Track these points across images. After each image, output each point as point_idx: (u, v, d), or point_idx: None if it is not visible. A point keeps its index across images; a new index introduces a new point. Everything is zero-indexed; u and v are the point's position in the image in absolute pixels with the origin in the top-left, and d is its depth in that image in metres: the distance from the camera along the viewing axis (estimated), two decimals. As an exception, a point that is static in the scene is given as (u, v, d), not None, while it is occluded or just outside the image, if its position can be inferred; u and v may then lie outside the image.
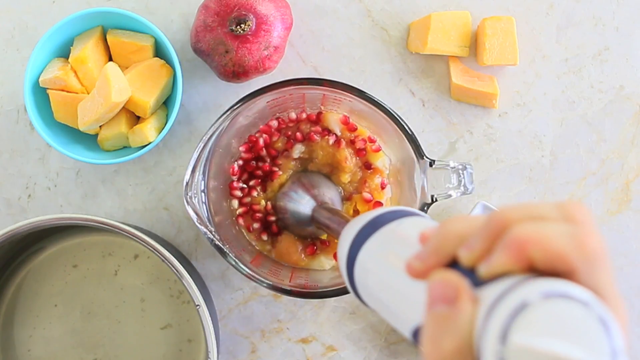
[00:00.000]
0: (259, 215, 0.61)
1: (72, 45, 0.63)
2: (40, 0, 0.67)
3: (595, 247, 0.27)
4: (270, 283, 0.54)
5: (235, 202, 0.61)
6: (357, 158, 0.61)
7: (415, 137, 0.54)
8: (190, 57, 0.67)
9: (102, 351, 0.66)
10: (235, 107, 0.54)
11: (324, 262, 0.61)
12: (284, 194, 0.60)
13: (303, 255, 0.61)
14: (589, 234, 0.28)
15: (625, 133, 0.69)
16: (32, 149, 0.67)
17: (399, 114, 0.54)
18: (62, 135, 0.63)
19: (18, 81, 0.67)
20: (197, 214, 0.53)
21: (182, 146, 0.68)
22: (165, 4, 0.68)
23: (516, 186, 0.68)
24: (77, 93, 0.62)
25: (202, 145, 0.53)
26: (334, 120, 0.61)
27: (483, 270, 0.28)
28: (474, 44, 0.68)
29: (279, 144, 0.61)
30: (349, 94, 0.55)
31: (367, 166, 0.61)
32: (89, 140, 0.64)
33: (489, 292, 0.27)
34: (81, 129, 0.61)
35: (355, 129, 0.61)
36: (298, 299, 0.67)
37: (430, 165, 0.53)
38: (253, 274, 0.54)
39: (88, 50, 0.62)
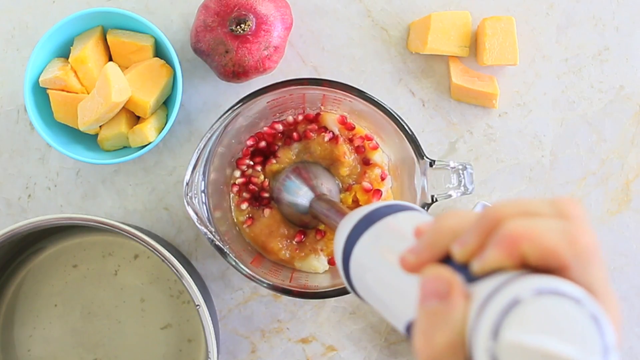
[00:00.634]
0: (254, 187, 0.61)
1: (72, 45, 0.63)
2: (40, 0, 0.67)
3: (588, 244, 0.27)
4: (270, 283, 0.54)
5: (237, 172, 0.61)
6: (356, 155, 0.62)
7: (415, 137, 0.54)
8: (190, 57, 0.67)
9: (102, 351, 0.66)
10: (235, 107, 0.54)
11: (316, 264, 0.61)
12: (283, 182, 0.60)
13: (285, 244, 0.60)
14: (581, 230, 0.28)
15: (625, 133, 0.69)
16: (32, 149, 0.67)
17: (399, 114, 0.54)
18: (62, 135, 0.63)
19: (18, 81, 0.67)
20: (197, 214, 0.53)
21: (182, 146, 0.68)
22: (165, 4, 0.68)
23: (516, 186, 0.68)
24: (77, 93, 0.62)
25: (202, 145, 0.53)
26: (331, 120, 0.61)
27: (476, 266, 0.28)
28: (474, 44, 0.68)
29: (279, 144, 0.62)
30: (349, 94, 0.55)
31: (366, 162, 0.62)
32: (89, 140, 0.64)
33: (482, 288, 0.27)
34: (81, 129, 0.61)
35: (352, 128, 0.61)
36: (298, 299, 0.67)
37: (431, 165, 0.53)
38: (253, 274, 0.54)
39: (88, 50, 0.62)
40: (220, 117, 0.54)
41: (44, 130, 0.61)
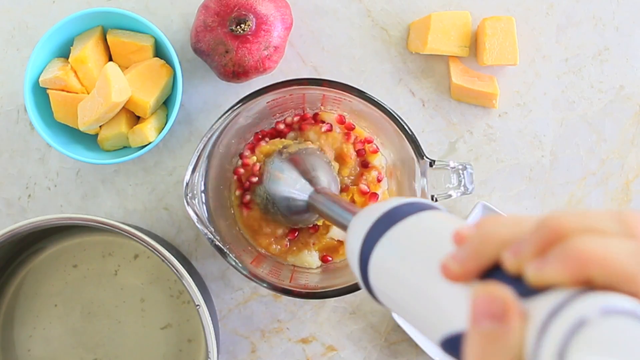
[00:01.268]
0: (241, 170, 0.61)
1: (72, 45, 0.63)
2: (40, 0, 0.67)
3: None
4: (270, 283, 0.54)
5: (239, 162, 0.62)
6: (355, 154, 0.62)
7: (415, 137, 0.54)
8: (190, 57, 0.67)
9: (102, 351, 0.66)
10: (235, 107, 0.54)
11: (310, 260, 0.61)
12: (276, 174, 0.58)
13: (273, 239, 0.60)
14: None
15: (625, 133, 0.69)
16: (32, 149, 0.67)
17: (399, 114, 0.54)
18: (62, 135, 0.63)
19: (18, 81, 0.67)
20: (197, 214, 0.53)
21: (182, 146, 0.68)
22: (165, 4, 0.68)
23: (516, 186, 0.68)
24: (77, 93, 0.62)
25: (202, 145, 0.53)
26: (330, 120, 0.61)
27: (533, 277, 0.26)
28: (474, 44, 0.68)
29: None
30: (349, 94, 0.55)
31: (365, 164, 0.62)
32: (89, 140, 0.64)
33: (539, 305, 0.25)
34: (81, 129, 0.61)
35: (352, 128, 0.61)
36: (298, 299, 0.67)
37: (430, 165, 0.53)
38: (253, 274, 0.54)
39: (88, 50, 0.62)
40: (220, 117, 0.54)
41: (44, 130, 0.61)
